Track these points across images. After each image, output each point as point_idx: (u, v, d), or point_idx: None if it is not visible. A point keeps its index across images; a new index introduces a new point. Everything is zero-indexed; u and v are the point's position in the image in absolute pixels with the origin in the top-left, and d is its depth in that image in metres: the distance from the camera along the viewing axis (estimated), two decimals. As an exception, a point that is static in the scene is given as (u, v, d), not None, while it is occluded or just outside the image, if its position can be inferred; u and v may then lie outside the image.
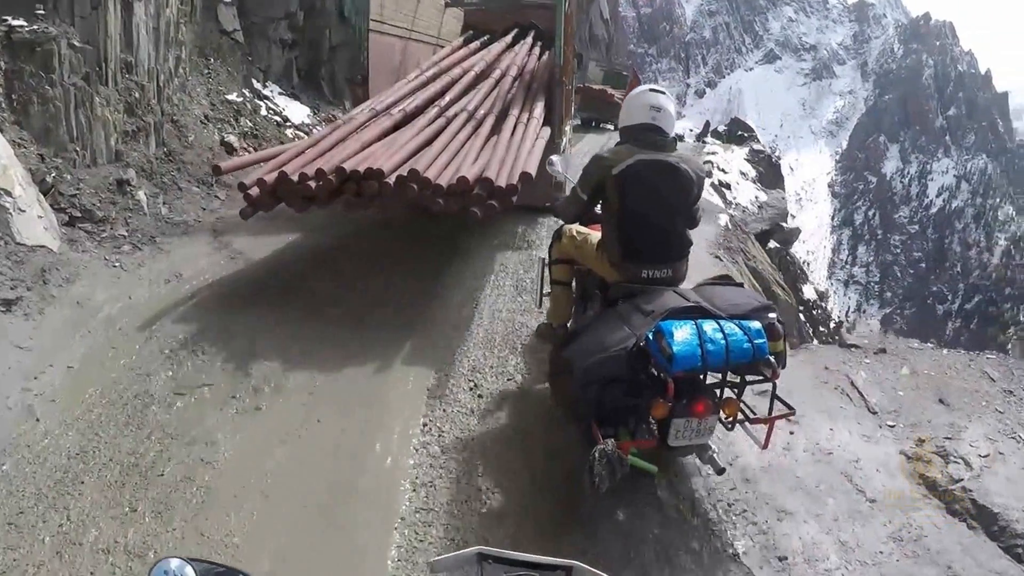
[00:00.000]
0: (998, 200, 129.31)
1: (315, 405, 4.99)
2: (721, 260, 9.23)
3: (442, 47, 10.86)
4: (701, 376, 3.78)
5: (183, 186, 8.75)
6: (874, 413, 5.35)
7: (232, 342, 5.66)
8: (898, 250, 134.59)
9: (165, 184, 8.54)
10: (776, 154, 24.75)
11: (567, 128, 9.73)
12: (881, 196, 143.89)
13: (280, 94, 13.12)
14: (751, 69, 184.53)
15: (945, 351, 6.44)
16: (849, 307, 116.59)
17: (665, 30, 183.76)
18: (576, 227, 4.71)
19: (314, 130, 12.64)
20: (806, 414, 5.20)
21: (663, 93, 4.28)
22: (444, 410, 5.01)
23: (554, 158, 5.64)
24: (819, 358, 6.15)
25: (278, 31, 13.40)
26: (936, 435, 5.10)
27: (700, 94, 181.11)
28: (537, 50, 10.82)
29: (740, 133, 36.05)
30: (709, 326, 3.50)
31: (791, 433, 4.99)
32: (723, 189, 17.64)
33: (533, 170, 6.34)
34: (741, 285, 4.29)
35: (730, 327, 3.53)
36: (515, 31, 11.48)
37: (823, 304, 24.91)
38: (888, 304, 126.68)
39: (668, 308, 3.68)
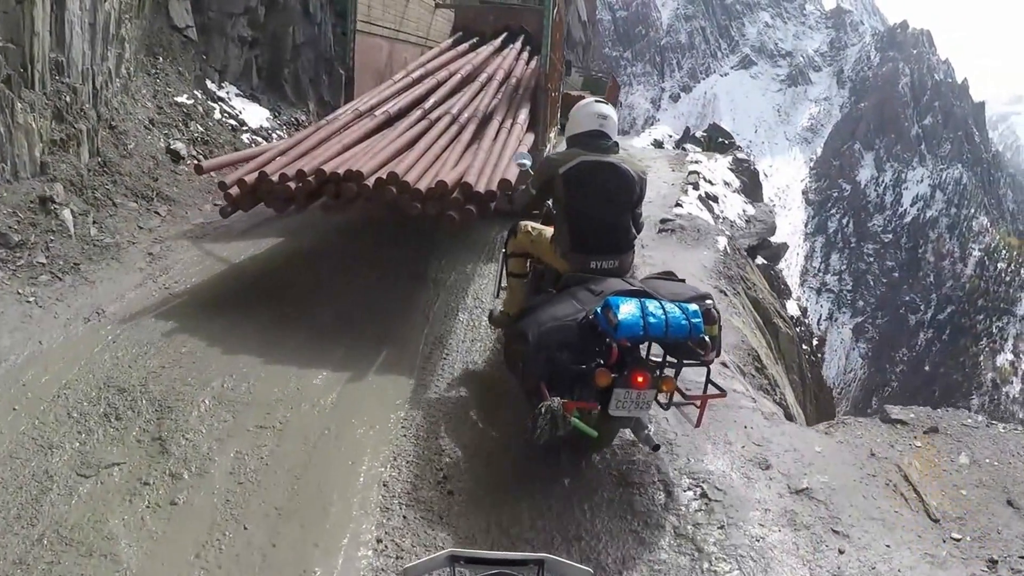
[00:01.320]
0: (972, 210, 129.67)
1: (242, 501, 3.99)
2: (727, 295, 8.29)
3: (431, 48, 10.87)
4: (643, 354, 4.12)
5: (118, 201, 7.68)
6: (936, 521, 4.37)
7: (153, 405, 4.70)
8: (871, 259, 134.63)
9: (97, 200, 7.47)
10: (751, 161, 23.99)
11: (552, 135, 9.86)
12: (855, 204, 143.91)
13: (238, 95, 12.04)
14: (726, 74, 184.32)
15: (1003, 428, 5.46)
16: (821, 315, 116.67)
17: (641, 34, 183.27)
18: (531, 223, 5.08)
19: (273, 135, 11.71)
20: (856, 523, 4.24)
21: (607, 104, 4.77)
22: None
23: (521, 152, 6.03)
24: (860, 439, 5.16)
25: (236, 28, 12.29)
26: (1009, 553, 4.13)
27: (675, 98, 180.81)
28: (526, 55, 10.86)
29: (721, 140, 35.48)
30: (652, 304, 3.88)
31: (840, 552, 4.00)
32: (710, 202, 16.71)
33: (513, 177, 6.28)
34: (683, 281, 4.62)
35: (670, 306, 3.90)
36: (505, 34, 11.51)
37: (805, 320, 24.28)
38: (860, 313, 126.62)
39: (615, 289, 4.11)
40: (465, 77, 9.18)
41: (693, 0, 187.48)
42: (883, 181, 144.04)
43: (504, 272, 5.39)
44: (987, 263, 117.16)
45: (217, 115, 10.86)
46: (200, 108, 10.49)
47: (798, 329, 17.32)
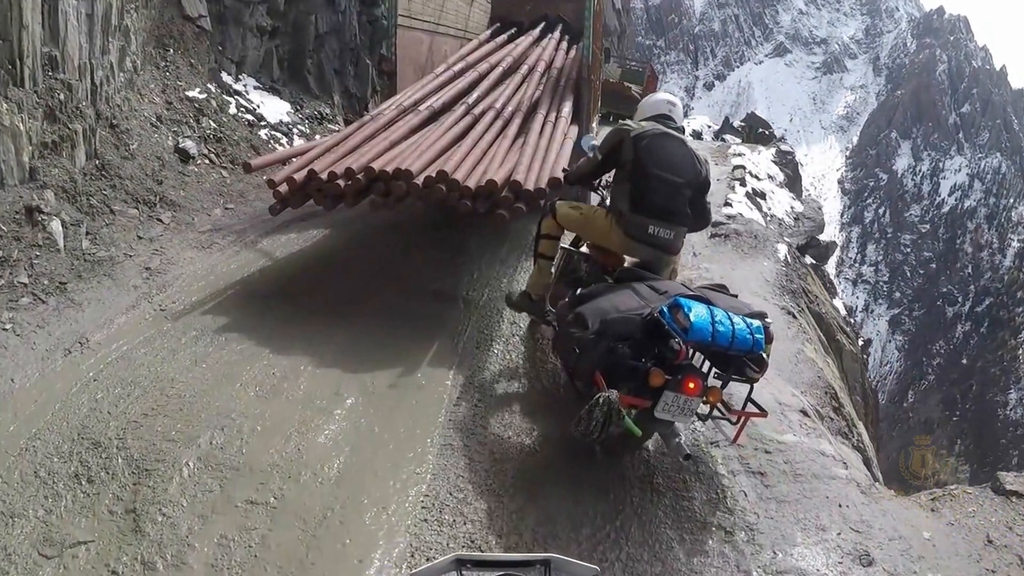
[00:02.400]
0: (1012, 200, 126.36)
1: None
2: (795, 317, 7.39)
3: (469, 40, 10.81)
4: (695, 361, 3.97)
5: (116, 208, 6.93)
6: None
7: (130, 466, 3.95)
8: (908, 249, 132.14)
9: (92, 207, 6.73)
10: (794, 152, 23.05)
11: (594, 124, 9.82)
12: (892, 194, 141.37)
13: (256, 88, 11.28)
14: (761, 62, 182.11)
15: None
16: (857, 307, 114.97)
17: (674, 22, 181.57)
18: (572, 202, 5.25)
19: (294, 129, 10.97)
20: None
21: (675, 98, 5.09)
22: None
23: (588, 136, 5.97)
24: (972, 519, 4.22)
25: (255, 17, 11.52)
26: None
27: (709, 87, 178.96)
28: (565, 44, 10.62)
29: (761, 130, 34.37)
30: (719, 312, 3.78)
31: None
32: (758, 199, 15.73)
33: (562, 174, 6.20)
34: (736, 296, 4.44)
35: (736, 318, 3.81)
36: (543, 24, 11.37)
37: (852, 320, 23.22)
38: (897, 304, 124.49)
39: (679, 291, 4.06)
40: (507, 69, 9.10)
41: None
42: (920, 170, 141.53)
43: (535, 251, 5.32)
44: None
45: (233, 110, 10.10)
46: (214, 103, 9.74)
47: (847, 331, 16.41)
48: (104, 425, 4.23)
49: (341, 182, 5.95)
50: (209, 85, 10.00)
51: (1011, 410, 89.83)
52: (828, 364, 7.45)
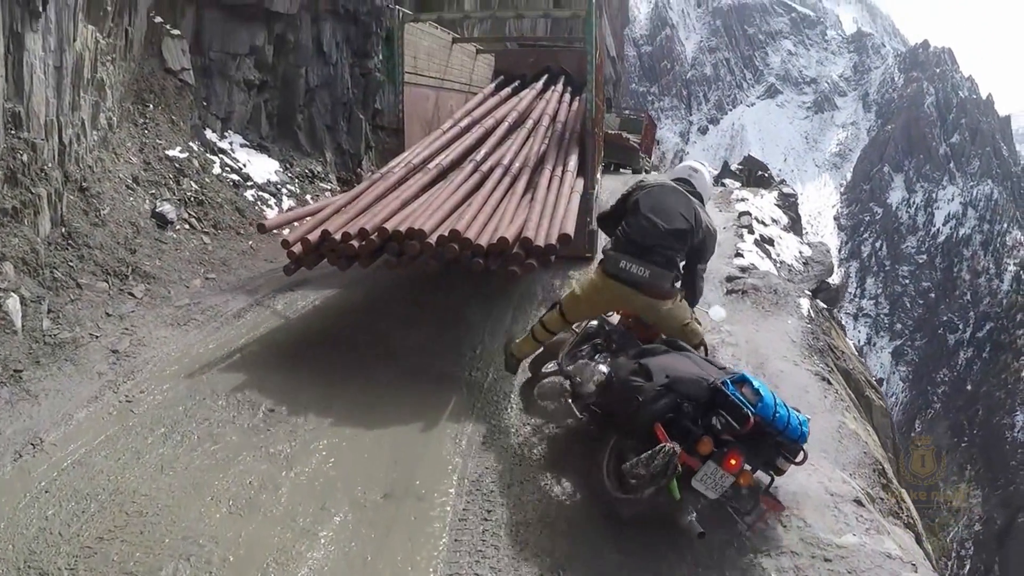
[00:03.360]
0: (1006, 225, 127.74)
1: None
2: (830, 383, 6.76)
3: (474, 94, 11.03)
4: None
5: (83, 282, 6.33)
6: None
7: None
8: (906, 281, 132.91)
9: (56, 281, 6.14)
10: (796, 194, 22.73)
11: (598, 175, 9.90)
12: (887, 227, 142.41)
13: (243, 146, 10.74)
14: (753, 104, 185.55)
15: None
16: (860, 341, 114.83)
17: (666, 68, 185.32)
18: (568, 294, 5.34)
19: (283, 190, 10.43)
20: None
21: (703, 167, 5.35)
22: None
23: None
24: None
25: (242, 70, 11.01)
26: None
27: (703, 131, 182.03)
28: (568, 96, 10.81)
29: (760, 173, 34.07)
30: (777, 396, 3.90)
31: None
32: (766, 246, 15.20)
33: (571, 230, 6.37)
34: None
35: (793, 409, 3.91)
36: (545, 76, 11.64)
37: (863, 360, 22.64)
38: (898, 336, 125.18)
39: (732, 371, 4.23)
40: (512, 124, 9.23)
41: (716, 32, 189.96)
42: (914, 202, 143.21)
43: (532, 328, 5.39)
44: (1023, 277, 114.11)
45: (217, 169, 9.53)
46: (196, 162, 9.17)
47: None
48: (54, 551, 3.59)
49: (355, 242, 5.88)
50: (191, 143, 9.44)
51: (1018, 432, 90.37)
52: (868, 432, 6.84)
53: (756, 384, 3.86)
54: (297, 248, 6.01)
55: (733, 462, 3.72)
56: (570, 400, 4.68)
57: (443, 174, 7.66)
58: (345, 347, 6.19)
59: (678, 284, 4.94)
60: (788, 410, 3.84)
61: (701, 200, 5.04)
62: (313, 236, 6.00)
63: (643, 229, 4.68)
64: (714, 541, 3.94)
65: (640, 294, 4.68)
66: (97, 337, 5.80)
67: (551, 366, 5.38)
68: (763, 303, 8.60)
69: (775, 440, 3.84)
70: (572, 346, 5.18)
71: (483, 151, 8.18)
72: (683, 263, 4.93)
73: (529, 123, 9.34)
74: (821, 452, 5.22)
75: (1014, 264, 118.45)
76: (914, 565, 4.03)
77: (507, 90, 10.92)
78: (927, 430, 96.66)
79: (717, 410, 3.84)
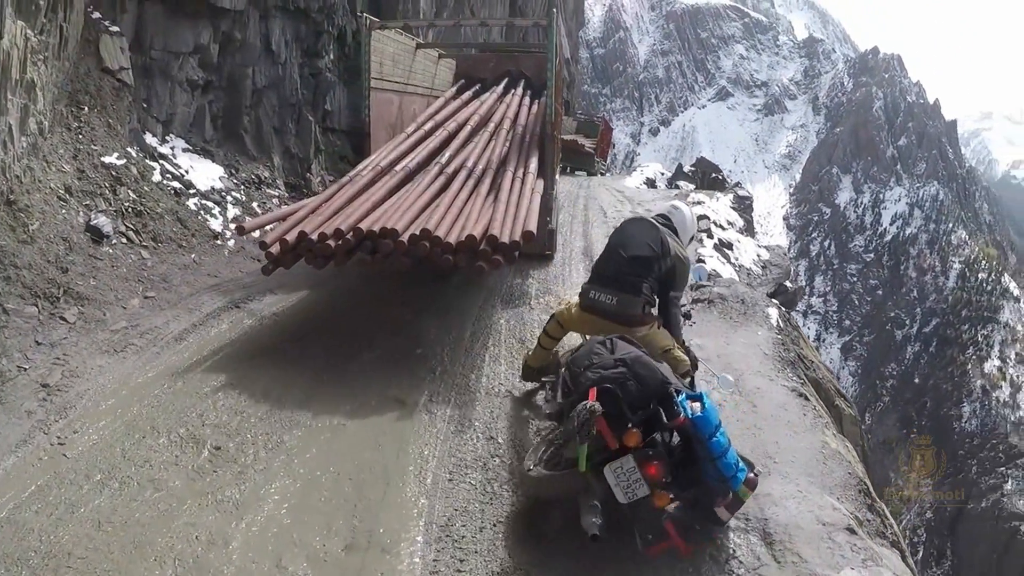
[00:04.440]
0: (951, 225, 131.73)
1: None
2: (807, 399, 6.49)
3: (436, 97, 11.24)
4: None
5: (10, 307, 5.79)
6: None
7: None
8: (855, 278, 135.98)
9: (-20, 307, 5.57)
10: (751, 197, 22.80)
11: (557, 177, 10.15)
12: (836, 226, 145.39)
13: (185, 151, 10.15)
14: (704, 106, 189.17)
15: None
16: (810, 337, 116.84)
17: (619, 70, 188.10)
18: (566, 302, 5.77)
19: (228, 197, 9.89)
20: None
21: (685, 206, 5.59)
22: None
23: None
24: None
25: (185, 70, 10.39)
26: None
27: (654, 133, 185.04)
28: (527, 99, 11.16)
29: (714, 175, 34.17)
30: (725, 431, 3.79)
31: None
32: (726, 250, 15.06)
33: (534, 227, 6.76)
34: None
35: (732, 448, 3.79)
36: (506, 80, 12.01)
37: (830, 369, 22.68)
38: (847, 332, 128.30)
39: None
40: (475, 127, 9.55)
41: (669, 35, 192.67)
42: (862, 202, 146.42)
43: (544, 329, 5.48)
44: (968, 274, 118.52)
45: (157, 177, 8.94)
46: (135, 169, 8.57)
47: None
48: None
49: (331, 242, 6.12)
50: (129, 149, 8.84)
51: (966, 422, 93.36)
52: (848, 448, 6.59)
53: (707, 404, 3.81)
54: (275, 249, 6.21)
55: (653, 471, 3.63)
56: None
57: (410, 176, 7.92)
58: (296, 371, 5.74)
59: (655, 311, 4.99)
60: (734, 452, 3.80)
61: (675, 233, 5.26)
62: (291, 236, 6.24)
63: (608, 259, 5.00)
64: None
65: (613, 323, 4.76)
66: (26, 369, 5.30)
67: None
68: (731, 313, 8.36)
69: (707, 472, 3.73)
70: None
71: (447, 154, 8.46)
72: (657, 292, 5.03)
73: (491, 126, 9.64)
74: (807, 477, 5.01)
75: (959, 262, 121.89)
76: None
77: (468, 94, 11.28)
78: (877, 422, 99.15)
79: (658, 407, 3.80)
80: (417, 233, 6.17)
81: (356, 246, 6.23)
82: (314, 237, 6.17)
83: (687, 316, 5.75)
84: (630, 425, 3.72)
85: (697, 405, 3.77)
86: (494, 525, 4.05)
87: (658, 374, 3.89)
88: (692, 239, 5.55)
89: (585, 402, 3.69)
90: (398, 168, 8.01)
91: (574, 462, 3.78)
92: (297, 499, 4.13)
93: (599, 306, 4.83)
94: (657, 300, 5.00)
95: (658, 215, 5.37)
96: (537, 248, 8.46)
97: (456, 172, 7.96)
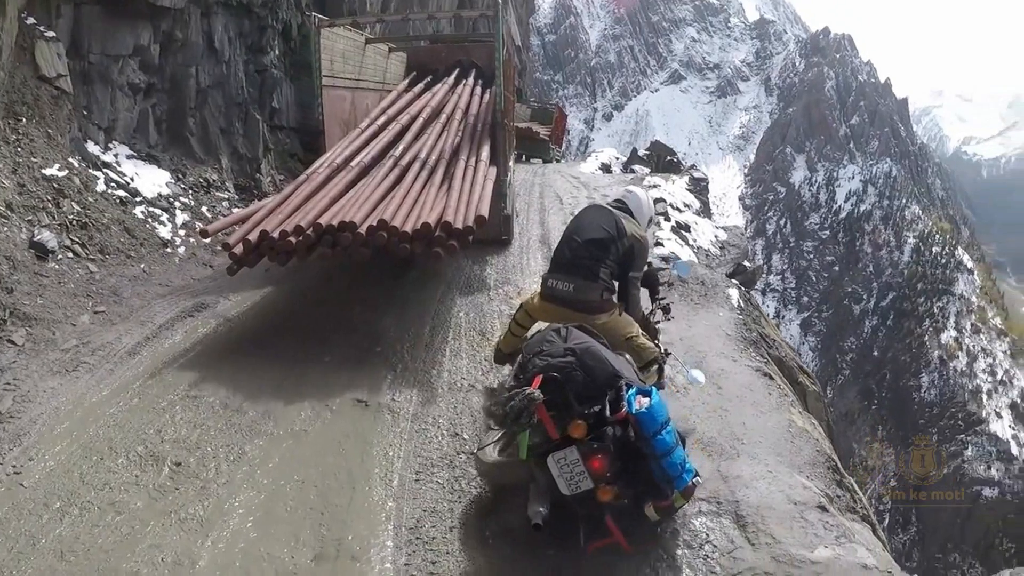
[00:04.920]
0: (904, 201, 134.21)
1: None
2: (772, 378, 6.54)
3: (388, 91, 11.36)
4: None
5: (-48, 334, 5.55)
6: None
7: None
8: (811, 256, 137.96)
9: (-78, 334, 5.35)
10: (707, 179, 22.96)
11: (510, 163, 10.18)
12: (791, 205, 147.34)
13: (130, 157, 9.86)
14: (657, 90, 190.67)
15: None
16: (769, 315, 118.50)
17: (570, 56, 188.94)
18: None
19: (176, 203, 9.66)
20: None
21: (640, 189, 5.51)
22: None
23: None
24: None
25: (125, 73, 10.08)
26: None
27: (608, 118, 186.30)
28: (479, 88, 11.18)
29: (668, 158, 34.35)
30: (673, 430, 3.71)
31: None
32: (683, 232, 15.12)
33: (486, 212, 6.93)
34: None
35: (681, 449, 3.74)
36: (457, 70, 12.10)
37: (792, 346, 22.98)
38: (806, 308, 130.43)
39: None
40: (427, 119, 9.65)
41: (620, 20, 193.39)
42: (816, 181, 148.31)
43: (513, 317, 5.50)
44: (922, 248, 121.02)
45: (101, 186, 8.68)
46: (77, 180, 8.31)
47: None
48: None
49: (292, 239, 6.28)
50: (71, 159, 8.56)
51: (924, 392, 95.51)
52: (814, 425, 6.65)
53: (655, 401, 3.70)
54: (239, 249, 6.32)
55: (597, 464, 3.57)
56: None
57: (365, 171, 8.05)
58: (255, 378, 5.61)
59: (615, 298, 4.93)
60: (681, 450, 3.73)
61: (631, 215, 5.16)
62: (253, 236, 6.38)
63: (564, 247, 4.94)
64: (679, 572, 3.74)
65: (572, 311, 4.72)
66: (-46, 414, 5.06)
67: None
68: (692, 296, 8.40)
69: (651, 468, 3.65)
70: None
71: (401, 147, 8.61)
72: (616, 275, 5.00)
73: (443, 117, 9.74)
74: (776, 456, 5.05)
75: (913, 237, 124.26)
76: (890, 573, 3.87)
77: (420, 86, 11.33)
78: (838, 395, 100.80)
79: (604, 399, 3.71)
80: (375, 224, 6.37)
81: (317, 241, 6.40)
82: (275, 235, 6.31)
83: (667, 310, 5.72)
84: (577, 416, 3.66)
85: (645, 400, 3.69)
86: (464, 524, 4.01)
87: (608, 366, 3.80)
88: (651, 222, 5.44)
89: (526, 389, 3.63)
90: (353, 164, 8.15)
91: (516, 444, 3.76)
92: (262, 511, 4.04)
93: (557, 294, 4.79)
94: (615, 285, 4.96)
95: (614, 200, 5.32)
96: (493, 233, 8.76)
97: (410, 164, 8.12)
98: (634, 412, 3.60)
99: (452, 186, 7.63)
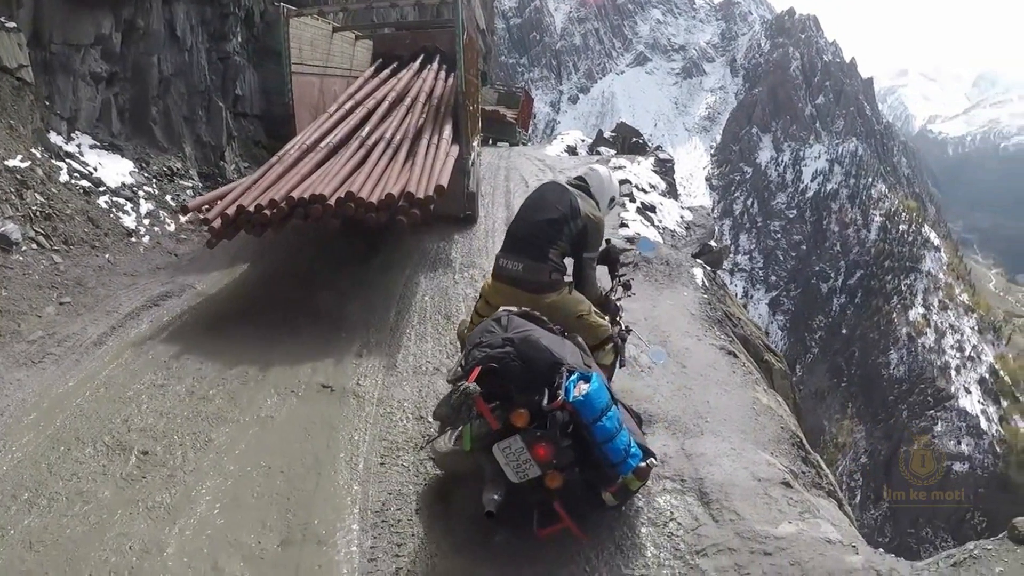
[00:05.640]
0: (870, 180, 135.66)
1: None
2: (736, 356, 6.66)
3: (355, 77, 11.79)
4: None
5: (-82, 327, 5.52)
6: None
7: None
8: (779, 235, 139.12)
9: None
10: (673, 160, 23.00)
11: (475, 143, 10.85)
12: (758, 185, 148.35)
13: (93, 147, 9.80)
14: (623, 72, 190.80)
15: None
16: (737, 295, 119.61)
17: (536, 39, 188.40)
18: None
19: (140, 192, 9.61)
20: None
21: (603, 167, 5.28)
22: None
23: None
24: None
25: (87, 62, 10.00)
26: None
27: (574, 100, 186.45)
28: (443, 73, 11.66)
29: (634, 140, 34.40)
30: (617, 415, 3.70)
31: None
32: (648, 213, 15.21)
33: (446, 182, 7.56)
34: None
35: (626, 433, 3.71)
36: (422, 56, 12.55)
37: (758, 325, 23.13)
38: (774, 288, 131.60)
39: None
40: (392, 102, 10.15)
41: (585, 2, 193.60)
42: (782, 161, 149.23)
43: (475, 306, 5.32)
44: (889, 226, 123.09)
45: (64, 177, 8.64)
46: (40, 171, 8.25)
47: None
48: None
49: (268, 212, 6.81)
50: (34, 150, 8.51)
51: (893, 369, 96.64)
52: (779, 403, 6.76)
53: (594, 387, 3.62)
54: (217, 223, 6.74)
55: (541, 452, 3.54)
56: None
57: (334, 151, 8.54)
58: (221, 366, 5.66)
59: (566, 277, 4.74)
60: (620, 431, 3.66)
61: (589, 194, 4.92)
62: (231, 211, 6.82)
63: (517, 226, 4.76)
64: (644, 550, 3.77)
65: (521, 291, 4.59)
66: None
67: None
68: (656, 276, 8.49)
69: (596, 456, 3.64)
70: None
71: (367, 128, 9.12)
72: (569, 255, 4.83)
73: (407, 100, 10.24)
74: (740, 433, 5.13)
75: (880, 215, 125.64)
76: (854, 547, 3.89)
77: (386, 72, 11.75)
78: (808, 373, 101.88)
79: (543, 388, 3.66)
80: (343, 196, 6.96)
81: (290, 213, 6.96)
82: (251, 209, 6.80)
83: (627, 286, 5.52)
84: (519, 405, 3.63)
85: (585, 387, 3.62)
86: (429, 506, 4.06)
87: (547, 354, 3.74)
88: (613, 201, 5.19)
89: (461, 383, 3.61)
90: (322, 145, 8.61)
91: (459, 436, 3.81)
92: (229, 498, 4.07)
93: (506, 273, 4.64)
94: (566, 265, 4.77)
95: (575, 177, 5.12)
96: (457, 208, 9.30)
97: (376, 144, 8.63)
98: (571, 400, 3.53)
99: (415, 162, 8.12)
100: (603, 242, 5.04)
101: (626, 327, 5.14)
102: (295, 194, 7.00)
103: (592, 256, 4.89)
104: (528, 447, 3.53)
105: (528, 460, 3.54)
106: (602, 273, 5.24)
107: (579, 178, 5.03)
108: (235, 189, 7.50)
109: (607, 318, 4.93)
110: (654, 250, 6.00)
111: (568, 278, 4.73)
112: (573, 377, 3.64)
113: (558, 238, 4.58)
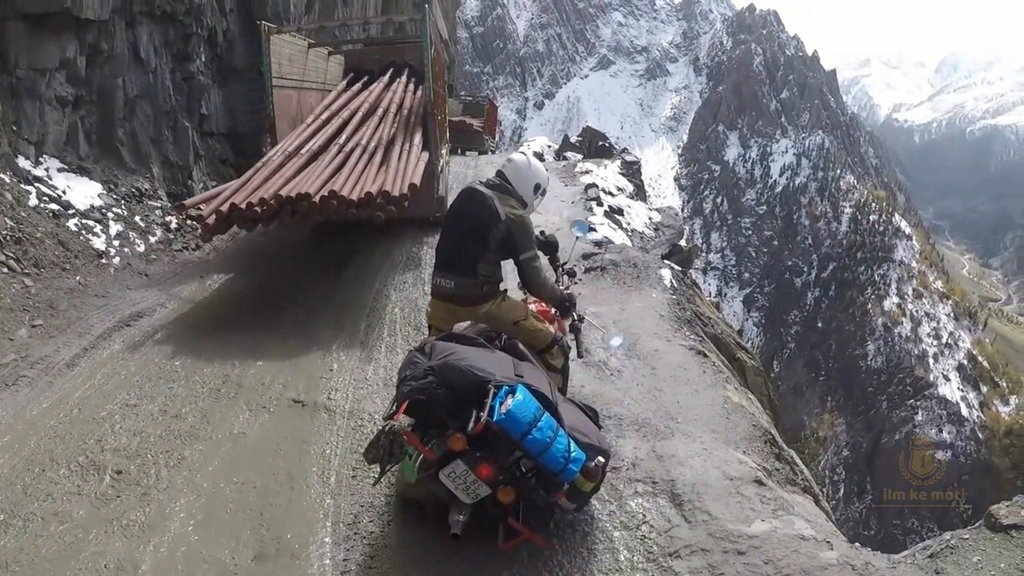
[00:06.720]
0: (839, 171, 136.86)
1: None
2: (706, 356, 6.79)
3: (329, 91, 12.60)
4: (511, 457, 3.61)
5: None
6: None
7: None
8: (749, 232, 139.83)
9: None
10: (639, 162, 23.22)
11: (444, 151, 11.84)
12: (727, 183, 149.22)
13: (61, 170, 9.77)
14: (587, 76, 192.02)
15: None
16: (711, 294, 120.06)
17: (499, 47, 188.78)
18: None
19: (109, 214, 9.61)
20: None
21: (522, 156, 4.97)
22: None
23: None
24: (982, 572, 3.70)
25: (53, 86, 9.95)
26: None
27: (539, 106, 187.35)
28: (412, 86, 12.44)
29: (600, 143, 34.70)
30: (550, 421, 3.60)
31: None
32: (617, 216, 15.36)
33: (419, 181, 8.52)
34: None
35: (564, 437, 3.62)
36: (391, 70, 13.30)
37: (729, 323, 23.33)
38: (747, 285, 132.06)
39: (537, 380, 3.87)
40: (366, 113, 10.99)
41: (546, 8, 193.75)
42: (750, 157, 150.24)
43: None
44: (860, 217, 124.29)
45: (33, 200, 8.65)
46: (9, 195, 8.27)
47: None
48: None
49: (258, 208, 7.56)
50: (2, 175, 8.50)
51: (871, 360, 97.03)
52: (751, 400, 6.87)
53: (517, 401, 3.52)
54: (211, 219, 7.51)
55: (485, 471, 3.54)
56: None
57: (314, 156, 9.32)
58: (193, 384, 5.71)
59: (501, 286, 4.67)
60: (554, 438, 3.57)
61: (508, 191, 4.69)
62: (224, 208, 7.57)
63: (442, 243, 4.74)
64: (617, 553, 3.83)
65: (457, 306, 4.60)
66: None
67: None
68: (624, 278, 8.60)
69: (536, 467, 3.61)
70: None
71: (344, 136, 9.93)
72: (506, 260, 4.66)
73: (380, 111, 11.09)
74: (711, 433, 5.21)
75: (850, 206, 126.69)
76: (829, 543, 3.93)
77: (358, 85, 12.60)
78: (785, 369, 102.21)
79: (473, 409, 3.60)
80: (327, 194, 7.73)
81: (278, 210, 7.68)
82: (243, 207, 7.54)
83: (571, 274, 5.50)
84: (455, 431, 3.58)
85: (510, 400, 3.53)
86: (402, 518, 4.10)
87: (470, 376, 3.65)
88: (540, 187, 4.86)
89: (387, 424, 3.62)
90: (303, 151, 9.41)
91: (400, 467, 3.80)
92: (203, 515, 4.11)
93: (441, 291, 4.60)
94: (498, 273, 4.64)
95: (494, 175, 4.84)
96: (428, 212, 9.90)
97: (353, 150, 9.44)
98: (495, 419, 3.45)
99: (390, 165, 8.96)
100: (537, 235, 4.90)
101: (579, 316, 5.06)
102: (283, 192, 7.75)
103: (529, 255, 4.66)
104: (471, 468, 3.53)
105: (475, 480, 3.53)
106: (544, 264, 5.05)
107: (498, 173, 4.79)
108: (226, 190, 8.20)
109: (559, 315, 4.96)
110: (587, 231, 6.09)
111: (504, 285, 4.67)
112: (500, 394, 3.58)
113: (485, 250, 4.50)
